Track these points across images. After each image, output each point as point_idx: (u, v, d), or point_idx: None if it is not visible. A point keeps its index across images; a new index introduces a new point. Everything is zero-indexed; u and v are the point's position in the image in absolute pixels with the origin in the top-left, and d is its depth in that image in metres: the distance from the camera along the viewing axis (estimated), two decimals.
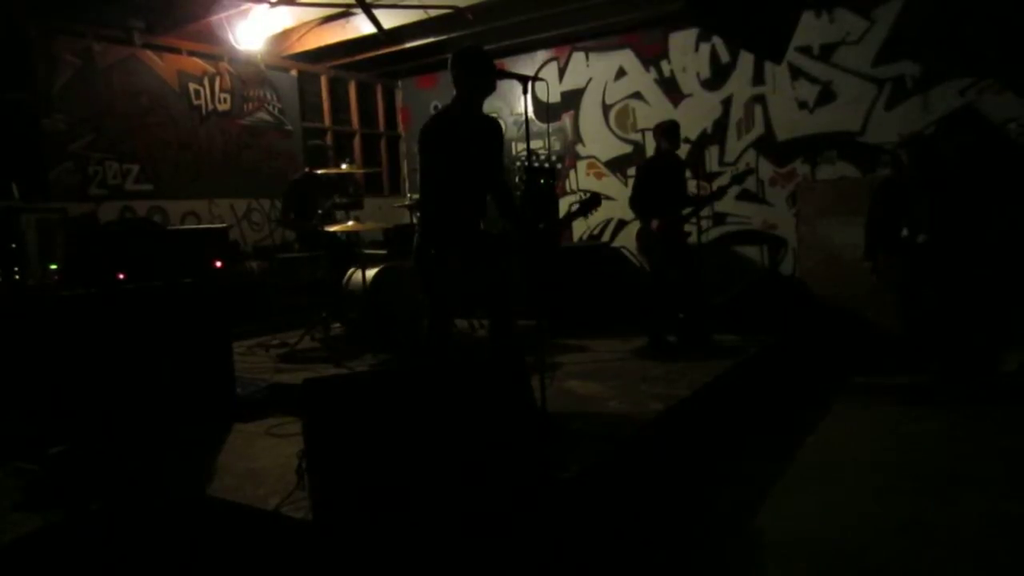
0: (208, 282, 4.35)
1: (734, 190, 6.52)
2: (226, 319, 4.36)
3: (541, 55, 8.44)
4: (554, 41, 8.17)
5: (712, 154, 7.49)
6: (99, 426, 3.49)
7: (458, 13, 6.83)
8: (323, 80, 8.99)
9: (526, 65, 8.35)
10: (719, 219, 7.50)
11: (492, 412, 2.67)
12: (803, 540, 3.03)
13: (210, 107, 7.67)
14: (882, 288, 5.45)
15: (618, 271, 7.32)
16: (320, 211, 5.98)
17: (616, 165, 8.12)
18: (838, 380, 5.77)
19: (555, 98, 8.31)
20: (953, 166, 5.96)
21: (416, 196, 5.33)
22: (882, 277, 5.38)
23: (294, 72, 8.57)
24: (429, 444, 2.52)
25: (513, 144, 8.66)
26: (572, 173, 8.42)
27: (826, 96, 6.81)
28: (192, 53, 7.49)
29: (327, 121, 9.05)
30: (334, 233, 5.80)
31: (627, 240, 7.67)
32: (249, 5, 7.07)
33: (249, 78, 8.02)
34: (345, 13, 7.31)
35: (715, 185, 6.86)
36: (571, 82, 8.31)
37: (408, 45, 7.86)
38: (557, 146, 8.48)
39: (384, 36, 7.06)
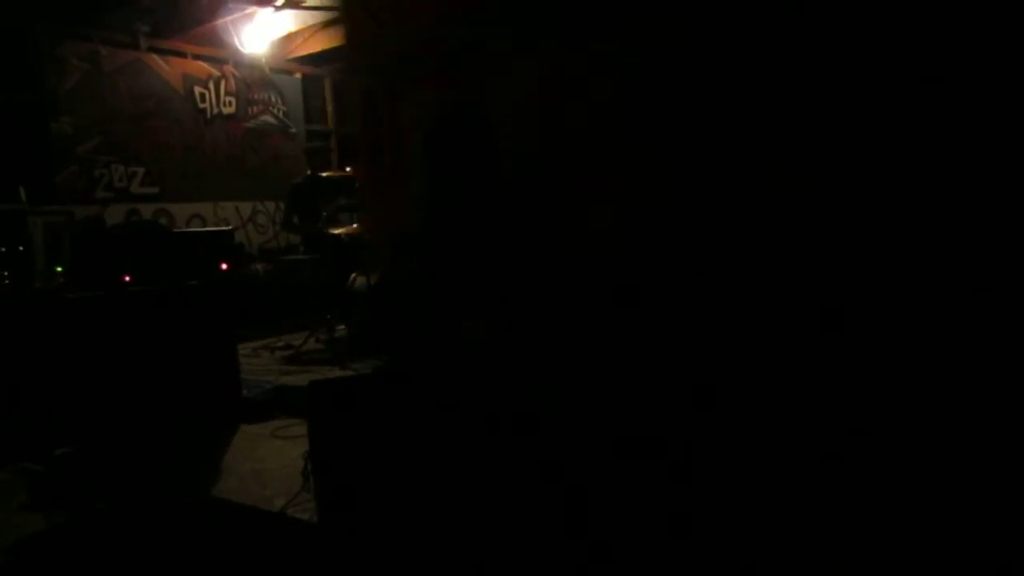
0: (214, 284, 4.37)
1: None
2: (232, 321, 4.38)
3: None
4: None
5: None
6: (105, 427, 3.51)
7: None
8: (327, 83, 9.03)
9: None
10: None
11: (495, 413, 2.67)
12: None
13: (215, 110, 7.70)
14: None
15: None
16: (324, 213, 6.00)
17: None
18: None
19: None
20: None
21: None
22: None
23: (298, 75, 8.60)
24: (434, 445, 2.53)
25: None
26: None
27: None
28: (197, 57, 7.53)
29: (331, 124, 9.08)
30: (338, 235, 5.83)
31: None
32: (254, 9, 7.11)
33: (254, 81, 8.06)
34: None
35: None
36: None
37: None
38: None
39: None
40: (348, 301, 5.83)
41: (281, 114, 8.38)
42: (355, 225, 5.77)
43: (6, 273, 3.94)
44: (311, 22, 7.53)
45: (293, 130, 8.50)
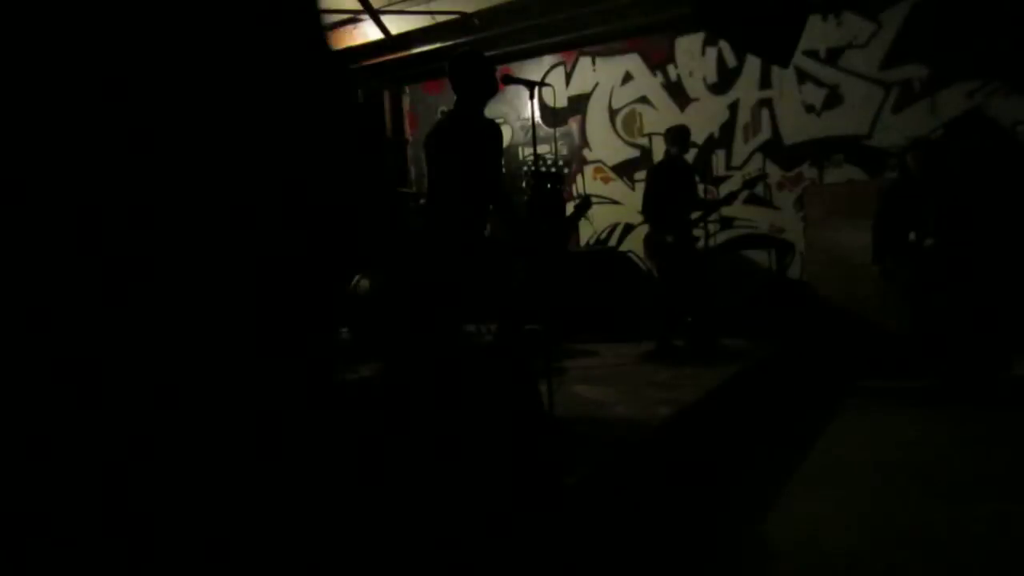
0: None
1: (743, 195, 6.53)
2: None
3: (548, 60, 8.46)
4: (560, 46, 8.19)
5: (719, 158, 7.48)
6: None
7: (465, 19, 6.86)
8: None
9: (533, 70, 8.38)
10: (726, 223, 7.49)
11: (498, 415, 2.67)
12: (807, 545, 3.03)
13: None
14: (890, 291, 5.44)
15: (625, 276, 7.32)
16: None
17: (623, 169, 8.13)
18: (846, 384, 5.75)
19: (562, 103, 8.33)
20: (961, 169, 5.94)
21: (423, 201, 5.35)
22: (890, 280, 5.37)
23: None
24: (435, 447, 2.53)
25: (520, 149, 8.68)
26: (579, 177, 8.43)
27: (833, 99, 6.80)
28: None
29: None
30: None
31: (634, 244, 7.67)
32: None
33: None
34: (352, 19, 7.36)
35: (724, 190, 6.85)
36: (577, 87, 8.32)
37: (415, 50, 7.90)
38: (564, 151, 8.49)
39: (391, 42, 7.10)
40: (350, 304, 5.84)
41: None
42: None
43: None
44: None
45: None
